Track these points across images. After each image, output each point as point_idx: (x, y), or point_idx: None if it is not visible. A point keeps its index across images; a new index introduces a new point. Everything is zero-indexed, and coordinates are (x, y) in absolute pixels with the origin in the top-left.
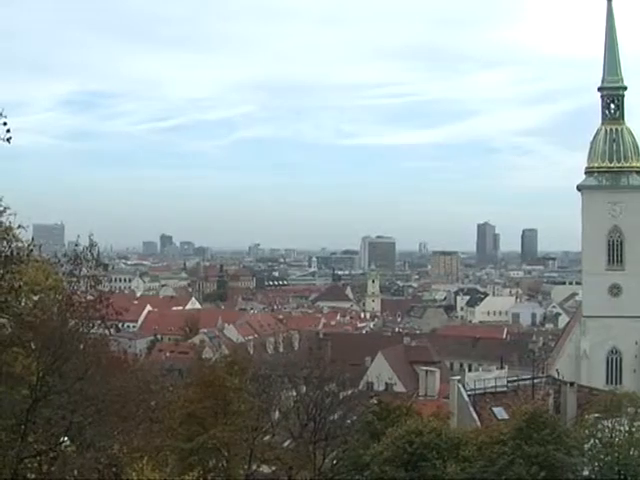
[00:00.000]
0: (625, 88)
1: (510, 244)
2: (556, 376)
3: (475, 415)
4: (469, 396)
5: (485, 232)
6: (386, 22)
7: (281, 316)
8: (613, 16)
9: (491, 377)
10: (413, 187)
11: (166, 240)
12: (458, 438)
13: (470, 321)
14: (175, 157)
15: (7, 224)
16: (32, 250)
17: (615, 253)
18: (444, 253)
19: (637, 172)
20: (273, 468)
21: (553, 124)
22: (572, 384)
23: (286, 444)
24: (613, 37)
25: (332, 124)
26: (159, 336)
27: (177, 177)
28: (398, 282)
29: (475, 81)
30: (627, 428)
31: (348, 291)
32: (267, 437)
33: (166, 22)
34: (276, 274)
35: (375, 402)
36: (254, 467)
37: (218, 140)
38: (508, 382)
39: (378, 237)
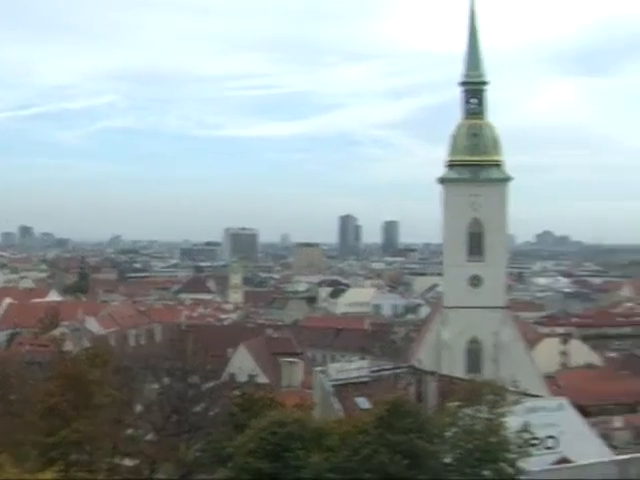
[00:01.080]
0: (486, 83)
1: (372, 236)
2: (417, 365)
3: (338, 405)
4: (332, 386)
5: (347, 224)
6: (252, 13)
7: (143, 308)
8: (475, 12)
9: (354, 368)
10: (276, 179)
11: (25, 231)
12: (322, 428)
13: (333, 312)
14: (36, 145)
15: None
16: None
17: (475, 245)
18: (306, 245)
19: (497, 166)
20: (136, 461)
21: (415, 117)
22: (433, 373)
23: (149, 437)
24: (475, 32)
25: (196, 115)
26: (19, 329)
27: (37, 166)
28: (261, 274)
29: (340, 74)
30: (487, 415)
31: (210, 283)
32: (130, 430)
33: (30, 9)
34: (138, 266)
35: (238, 394)
36: (117, 460)
37: (81, 129)
38: (371, 372)
39: (241, 229)
